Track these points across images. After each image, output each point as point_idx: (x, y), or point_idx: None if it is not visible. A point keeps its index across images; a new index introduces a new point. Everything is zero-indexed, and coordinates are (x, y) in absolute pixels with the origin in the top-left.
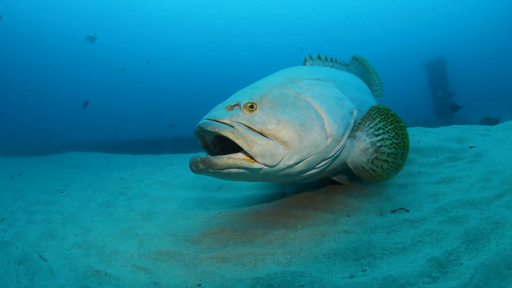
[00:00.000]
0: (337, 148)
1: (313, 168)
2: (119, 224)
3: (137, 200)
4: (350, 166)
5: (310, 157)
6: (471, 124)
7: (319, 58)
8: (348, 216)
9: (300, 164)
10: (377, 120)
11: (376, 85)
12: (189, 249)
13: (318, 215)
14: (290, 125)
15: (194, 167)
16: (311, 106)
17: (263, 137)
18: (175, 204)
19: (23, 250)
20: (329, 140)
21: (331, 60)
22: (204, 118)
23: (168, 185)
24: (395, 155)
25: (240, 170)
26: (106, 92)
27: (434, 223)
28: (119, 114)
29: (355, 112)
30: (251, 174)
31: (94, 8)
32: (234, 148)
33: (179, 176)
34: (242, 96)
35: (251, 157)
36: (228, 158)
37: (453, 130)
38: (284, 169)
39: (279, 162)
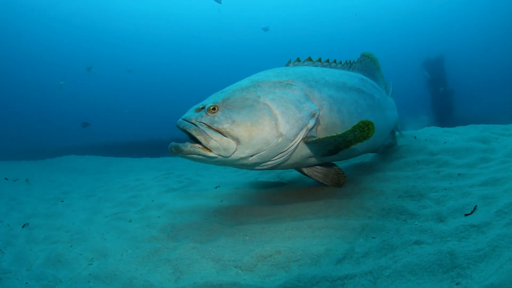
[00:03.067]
0: (290, 145)
1: (268, 161)
2: (140, 245)
3: (153, 212)
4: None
5: (262, 152)
6: (470, 122)
7: (309, 59)
8: (407, 223)
9: (253, 157)
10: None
11: (384, 83)
12: (245, 278)
13: (377, 225)
14: (243, 124)
15: (170, 151)
16: (267, 108)
17: (218, 134)
18: (202, 217)
19: (26, 284)
20: (280, 139)
21: (327, 61)
22: (181, 116)
23: (184, 194)
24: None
25: (200, 156)
26: (102, 94)
27: (501, 227)
28: (114, 116)
29: (318, 113)
30: (209, 160)
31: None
32: None
33: (194, 183)
34: (209, 100)
35: (208, 149)
36: (191, 146)
37: (473, 130)
38: (238, 159)
39: (232, 154)
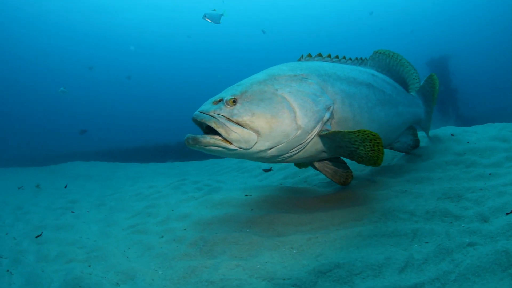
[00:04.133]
0: (308, 137)
1: (286, 153)
2: (171, 263)
3: (176, 224)
4: (335, 154)
5: (281, 145)
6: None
7: (320, 55)
8: (454, 225)
9: (272, 149)
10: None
11: (414, 78)
12: None
13: (426, 229)
14: (262, 117)
15: (186, 143)
16: (285, 101)
17: (239, 126)
18: (235, 229)
19: None
20: (299, 132)
21: (336, 57)
22: (197, 110)
23: (208, 203)
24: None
25: (219, 148)
26: (106, 100)
27: None
28: (118, 121)
29: (332, 107)
30: (228, 153)
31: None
32: None
33: (215, 190)
34: (227, 92)
35: (229, 142)
36: (210, 138)
37: (491, 129)
38: (257, 152)
39: (252, 146)
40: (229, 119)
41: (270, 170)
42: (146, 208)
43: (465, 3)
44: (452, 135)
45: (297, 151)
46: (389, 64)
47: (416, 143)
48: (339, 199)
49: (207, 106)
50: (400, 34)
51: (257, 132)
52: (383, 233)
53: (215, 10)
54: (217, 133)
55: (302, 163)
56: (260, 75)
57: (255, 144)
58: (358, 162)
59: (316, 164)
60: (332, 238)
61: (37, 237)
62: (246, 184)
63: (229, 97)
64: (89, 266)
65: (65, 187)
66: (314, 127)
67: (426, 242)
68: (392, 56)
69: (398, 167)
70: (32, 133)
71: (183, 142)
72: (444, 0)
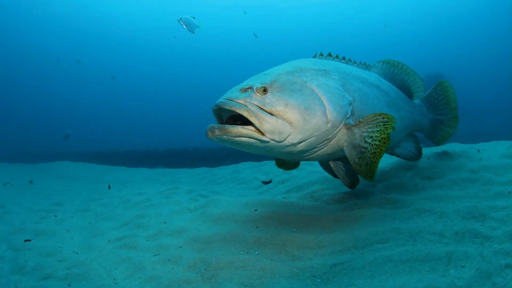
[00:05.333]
0: (335, 132)
1: (313, 148)
2: None
3: (170, 240)
4: (346, 153)
5: (311, 139)
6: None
7: (330, 55)
8: (485, 246)
9: (301, 144)
10: (374, 127)
11: (418, 87)
12: None
13: (459, 252)
14: (297, 108)
15: (210, 133)
16: (315, 94)
17: (272, 116)
18: (241, 250)
19: None
20: (329, 125)
21: (343, 58)
22: (221, 97)
23: (206, 216)
24: (376, 155)
25: (251, 140)
26: (95, 101)
27: None
28: (109, 123)
29: (353, 103)
30: (259, 145)
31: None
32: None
33: (213, 202)
34: (255, 81)
35: (262, 133)
36: (242, 128)
37: (499, 147)
38: (288, 146)
39: (285, 139)
40: (261, 108)
41: (269, 182)
42: (136, 218)
43: (464, 20)
44: (478, 151)
45: (323, 146)
46: (392, 73)
47: (418, 151)
48: (356, 218)
49: (234, 93)
50: (400, 50)
51: (290, 123)
52: (415, 258)
53: (194, 17)
54: (242, 124)
55: (287, 163)
56: (285, 66)
57: (288, 136)
58: (359, 166)
59: (331, 164)
60: (360, 264)
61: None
62: (246, 196)
63: (260, 85)
64: (69, 286)
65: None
66: (341, 122)
67: (463, 266)
68: (397, 65)
69: (412, 184)
70: (24, 129)
71: (173, 148)
72: (442, 18)
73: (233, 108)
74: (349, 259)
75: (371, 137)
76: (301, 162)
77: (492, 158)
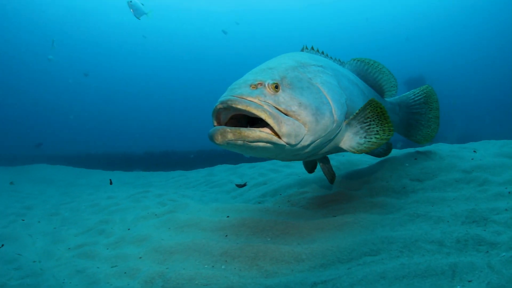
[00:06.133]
0: (337, 132)
1: (318, 148)
2: None
3: (131, 249)
4: (344, 147)
5: (320, 139)
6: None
7: (313, 49)
8: (492, 255)
9: (311, 145)
10: (367, 110)
11: (392, 86)
12: None
13: (464, 263)
14: (309, 108)
15: (221, 137)
16: (321, 92)
17: (289, 117)
18: (206, 264)
19: None
20: (335, 125)
21: (323, 52)
22: (227, 94)
23: (172, 223)
24: (382, 131)
25: (267, 145)
26: (74, 103)
27: None
28: (88, 126)
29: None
30: (274, 150)
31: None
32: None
33: (181, 206)
34: (263, 76)
35: (277, 135)
36: (260, 131)
37: (491, 146)
38: (299, 148)
39: (300, 142)
40: (276, 108)
41: (244, 185)
42: (100, 223)
43: (448, 23)
44: (474, 151)
45: (326, 145)
46: (366, 71)
47: (388, 146)
48: (340, 225)
49: (244, 89)
50: (382, 53)
51: (304, 124)
52: (414, 273)
53: (143, 4)
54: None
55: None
56: (287, 60)
57: (302, 138)
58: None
59: (320, 162)
60: (347, 283)
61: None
62: (217, 201)
63: (271, 81)
64: None
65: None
66: (343, 121)
67: (470, 281)
68: (372, 64)
69: (401, 186)
70: (3, 132)
71: (151, 151)
72: (427, 20)
73: (249, 109)
74: (333, 277)
75: (368, 116)
76: (279, 164)
77: (485, 157)
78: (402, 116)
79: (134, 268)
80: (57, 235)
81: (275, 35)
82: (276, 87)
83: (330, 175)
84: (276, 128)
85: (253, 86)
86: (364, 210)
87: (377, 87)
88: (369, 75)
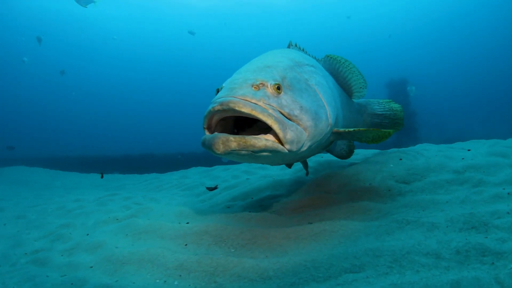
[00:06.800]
0: (329, 135)
1: (311, 152)
2: None
3: (84, 257)
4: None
5: (315, 144)
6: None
7: (296, 46)
8: (498, 267)
9: (307, 150)
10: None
11: (361, 87)
12: None
13: (468, 279)
14: (310, 112)
15: (223, 146)
16: (317, 95)
17: (292, 122)
18: (158, 279)
19: None
20: (329, 128)
21: (303, 49)
22: (228, 95)
23: (130, 229)
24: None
25: (269, 154)
26: (53, 105)
27: None
28: (66, 127)
29: None
30: (273, 158)
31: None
32: (234, 129)
33: (145, 210)
34: (264, 75)
35: (281, 142)
36: (266, 140)
37: (481, 145)
38: (297, 154)
39: (300, 148)
40: (280, 113)
41: (215, 188)
42: (60, 227)
43: (429, 28)
44: (469, 150)
45: (317, 149)
46: (337, 70)
47: (350, 149)
48: (316, 234)
49: (246, 90)
50: (362, 55)
51: (305, 129)
52: None
53: None
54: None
55: None
56: (281, 58)
57: (303, 145)
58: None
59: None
60: None
61: None
62: (185, 205)
63: (273, 82)
64: None
65: None
66: (335, 124)
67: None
68: (344, 62)
69: (386, 188)
70: None
71: (129, 154)
72: (406, 23)
73: (254, 113)
74: None
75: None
76: (253, 166)
77: (477, 157)
78: (366, 118)
79: (82, 279)
80: (18, 238)
81: (252, 34)
82: (278, 88)
83: (307, 167)
84: (281, 135)
85: (255, 86)
86: (345, 216)
87: (346, 87)
88: (339, 74)
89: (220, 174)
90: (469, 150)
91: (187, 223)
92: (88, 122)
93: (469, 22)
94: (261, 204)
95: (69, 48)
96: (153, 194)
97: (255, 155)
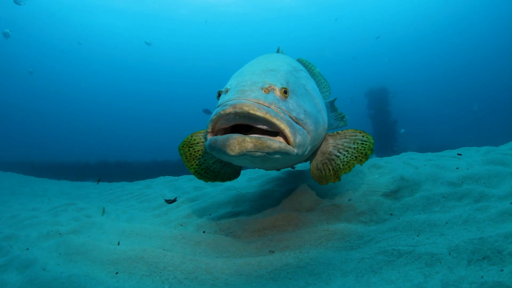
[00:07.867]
0: (323, 140)
1: (308, 154)
2: None
3: (12, 277)
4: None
5: (311, 147)
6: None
7: (278, 51)
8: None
9: (307, 152)
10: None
11: (324, 87)
12: None
13: None
14: (312, 116)
15: (239, 147)
16: (314, 99)
17: (300, 126)
18: None
19: None
20: (324, 133)
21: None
22: (239, 97)
23: (64, 247)
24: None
25: (280, 156)
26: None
27: None
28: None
29: None
30: (283, 160)
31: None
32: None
33: (84, 227)
34: (272, 79)
35: (293, 146)
36: (280, 142)
37: (473, 153)
38: (300, 157)
39: (305, 151)
40: (290, 116)
41: (174, 201)
42: (3, 239)
43: (409, 38)
44: (459, 154)
45: (312, 151)
46: (312, 73)
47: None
48: (275, 270)
49: (258, 93)
50: (341, 65)
51: (309, 133)
52: None
53: None
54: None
55: (221, 175)
56: (281, 63)
57: (306, 148)
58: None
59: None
60: None
61: None
62: (133, 221)
63: (280, 86)
64: None
65: None
66: (327, 128)
67: None
68: (307, 65)
69: (370, 206)
70: None
71: (104, 161)
72: (388, 33)
73: (268, 117)
74: None
75: (347, 150)
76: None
77: (473, 166)
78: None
79: None
80: None
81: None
82: (285, 92)
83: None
84: (292, 139)
85: (265, 90)
86: (316, 243)
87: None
88: (313, 77)
89: (183, 185)
90: (459, 154)
91: (118, 243)
92: (73, 128)
93: (455, 30)
94: (218, 222)
95: (38, 47)
96: (109, 205)
97: (267, 157)
